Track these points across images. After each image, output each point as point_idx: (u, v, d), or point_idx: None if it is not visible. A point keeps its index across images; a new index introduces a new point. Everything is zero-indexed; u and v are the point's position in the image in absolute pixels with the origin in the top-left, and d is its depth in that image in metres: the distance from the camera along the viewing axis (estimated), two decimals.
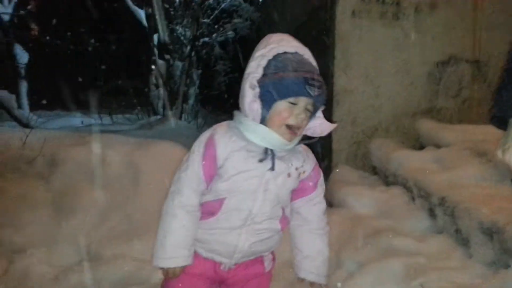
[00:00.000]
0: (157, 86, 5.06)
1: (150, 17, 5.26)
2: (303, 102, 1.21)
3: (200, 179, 1.27)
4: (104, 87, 6.39)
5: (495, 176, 2.56)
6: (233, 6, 7.08)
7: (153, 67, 4.88)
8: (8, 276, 2.56)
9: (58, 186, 3.29)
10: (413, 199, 2.73)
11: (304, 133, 1.30)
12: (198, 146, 1.29)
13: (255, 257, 1.37)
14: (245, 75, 1.25)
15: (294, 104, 1.21)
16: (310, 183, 1.36)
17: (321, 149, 3.74)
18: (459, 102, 3.58)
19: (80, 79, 5.51)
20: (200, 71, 6.05)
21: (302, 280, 1.40)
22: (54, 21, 6.44)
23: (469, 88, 3.58)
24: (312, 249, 1.39)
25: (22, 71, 6.50)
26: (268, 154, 1.25)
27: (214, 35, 7.17)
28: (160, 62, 4.79)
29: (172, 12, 5.43)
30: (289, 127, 1.22)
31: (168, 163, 3.06)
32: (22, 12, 5.87)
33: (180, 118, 4.76)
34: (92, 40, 6.00)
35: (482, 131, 3.11)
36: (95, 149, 3.54)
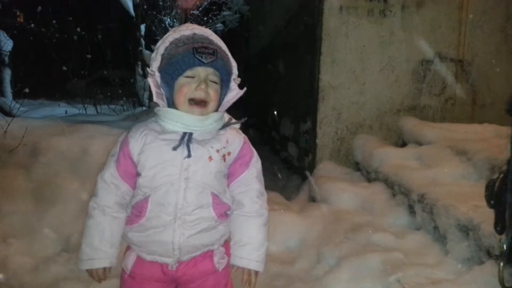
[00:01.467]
0: (143, 77, 5.01)
1: (137, 6, 5.20)
2: (201, 73, 1.20)
3: (116, 179, 1.25)
4: (89, 76, 6.32)
5: (473, 174, 2.61)
6: None
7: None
8: None
9: (39, 176, 3.25)
10: (394, 195, 2.76)
11: (223, 108, 1.28)
12: (114, 147, 1.28)
13: (202, 252, 1.29)
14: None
15: (192, 77, 1.20)
16: (240, 164, 1.30)
17: (306, 144, 3.76)
18: (442, 100, 3.62)
19: (65, 68, 5.42)
20: None
21: (234, 267, 1.32)
22: (39, 8, 6.32)
23: (452, 87, 3.63)
24: (243, 234, 1.30)
25: (6, 59, 6.39)
26: (183, 141, 1.21)
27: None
28: (147, 52, 4.74)
29: (160, 3, 5.38)
30: (193, 101, 1.20)
31: None
32: None
33: None
34: (78, 29, 5.91)
35: (463, 130, 3.16)
36: (78, 139, 3.50)
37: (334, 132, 3.47)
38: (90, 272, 1.27)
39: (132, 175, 1.25)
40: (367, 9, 3.45)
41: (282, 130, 4.64)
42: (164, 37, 1.25)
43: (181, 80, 1.20)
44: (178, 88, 1.20)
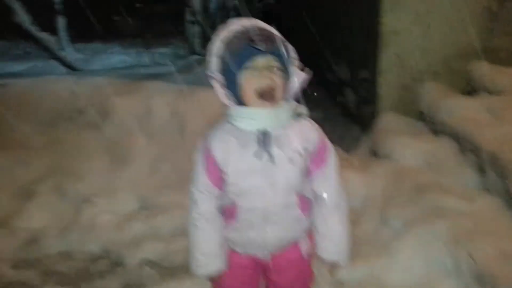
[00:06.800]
0: (193, 23, 4.95)
1: None
2: (261, 61, 1.18)
3: (210, 187, 1.30)
4: (140, 20, 6.33)
5: None
6: None
7: None
8: (76, 225, 2.80)
9: (110, 135, 3.45)
10: (462, 152, 2.67)
11: (291, 96, 1.27)
12: (197, 156, 1.31)
13: (291, 244, 1.41)
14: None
15: (253, 68, 1.18)
16: (317, 159, 1.32)
17: (365, 93, 3.65)
18: None
19: (116, 18, 5.46)
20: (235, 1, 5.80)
21: (322, 260, 1.42)
22: None
23: None
24: (326, 227, 1.37)
25: (59, 7, 6.45)
26: (262, 144, 1.22)
27: None
28: None
29: None
30: (260, 94, 1.19)
31: (211, 111, 3.12)
32: None
33: None
34: None
35: None
36: (141, 98, 3.64)
37: (397, 80, 3.31)
38: (207, 276, 1.40)
39: (220, 179, 1.31)
40: None
41: (338, 73, 4.49)
42: (214, 37, 1.24)
43: (243, 74, 1.19)
44: (242, 83, 1.20)
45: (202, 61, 4.62)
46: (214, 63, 1.22)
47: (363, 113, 3.65)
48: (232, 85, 1.21)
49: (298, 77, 1.25)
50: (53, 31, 5.45)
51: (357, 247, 2.28)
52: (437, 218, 2.19)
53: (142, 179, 3.20)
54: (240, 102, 1.22)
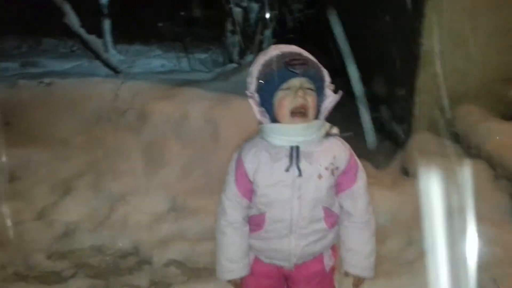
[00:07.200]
0: (233, 32, 5.06)
1: None
2: (296, 83, 1.26)
3: (239, 197, 1.37)
4: (182, 26, 6.51)
5: None
6: None
7: None
8: (109, 221, 2.91)
9: (147, 139, 3.57)
10: (496, 178, 2.62)
11: (322, 115, 1.32)
12: (231, 167, 1.39)
13: (314, 257, 1.44)
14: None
15: (288, 89, 1.26)
16: (347, 178, 1.37)
17: (401, 111, 3.62)
18: None
19: (160, 24, 5.66)
20: (276, 12, 5.87)
21: (347, 273, 1.44)
22: None
23: None
24: (354, 243, 1.41)
25: (105, 9, 6.73)
26: (293, 157, 1.28)
27: None
28: (237, 9, 4.75)
29: None
30: (293, 113, 1.26)
31: (244, 120, 3.19)
32: None
33: None
34: None
35: None
36: (178, 104, 3.74)
37: (434, 101, 3.27)
38: (229, 281, 1.46)
39: (249, 191, 1.38)
40: None
41: (373, 89, 4.47)
42: (255, 61, 1.35)
43: (279, 94, 1.27)
44: (277, 103, 1.28)
45: (239, 70, 4.74)
46: (253, 84, 1.32)
47: (396, 131, 3.62)
48: (267, 104, 1.30)
49: (330, 98, 1.33)
50: (98, 33, 5.68)
51: (380, 265, 2.27)
52: (465, 242, 2.16)
53: (174, 182, 3.30)
54: (274, 120, 1.31)
